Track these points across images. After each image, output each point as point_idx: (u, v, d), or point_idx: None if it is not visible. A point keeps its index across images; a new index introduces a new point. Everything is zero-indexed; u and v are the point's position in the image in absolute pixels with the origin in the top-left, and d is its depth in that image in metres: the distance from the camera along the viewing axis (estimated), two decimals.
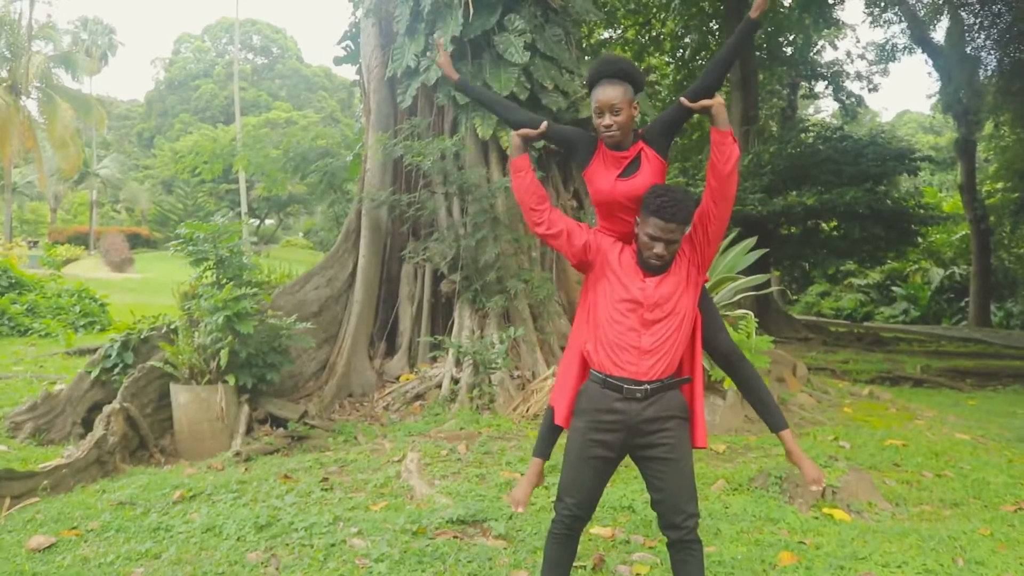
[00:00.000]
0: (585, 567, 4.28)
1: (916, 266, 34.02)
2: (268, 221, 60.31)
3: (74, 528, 4.80)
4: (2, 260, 18.07)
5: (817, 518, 5.25)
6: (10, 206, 43.08)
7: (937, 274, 32.74)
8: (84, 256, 42.69)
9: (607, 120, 3.27)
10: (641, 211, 3.20)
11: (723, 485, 5.91)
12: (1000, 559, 4.43)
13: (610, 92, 3.26)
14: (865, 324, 29.49)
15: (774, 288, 22.65)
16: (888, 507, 5.65)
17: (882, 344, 20.94)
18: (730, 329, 7.71)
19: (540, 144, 9.65)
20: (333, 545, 4.50)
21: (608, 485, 5.70)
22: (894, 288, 33.68)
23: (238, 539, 4.59)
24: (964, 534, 4.87)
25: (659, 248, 3.12)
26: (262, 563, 4.26)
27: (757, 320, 8.96)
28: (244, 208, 40.84)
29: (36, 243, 41.86)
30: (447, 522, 4.85)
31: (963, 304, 30.08)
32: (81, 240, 48.62)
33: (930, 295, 32.00)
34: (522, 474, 5.98)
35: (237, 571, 4.16)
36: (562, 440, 3.46)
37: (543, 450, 3.55)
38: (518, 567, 4.22)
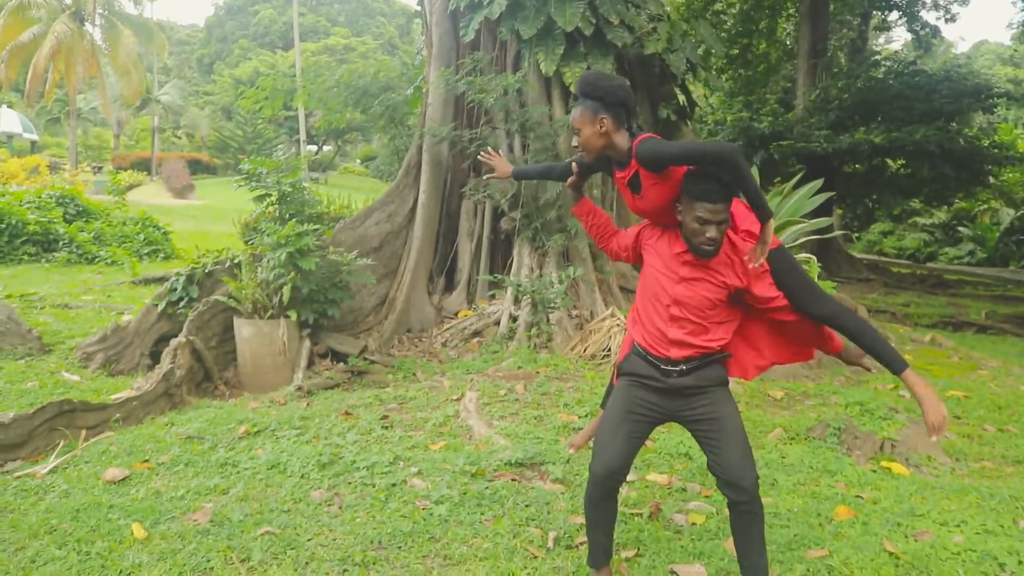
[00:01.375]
0: (641, 515, 4.32)
1: (985, 206, 33.01)
2: (326, 148, 60.53)
3: (146, 461, 4.96)
4: (70, 188, 18.41)
5: (875, 471, 5.22)
6: (75, 132, 43.77)
7: (1008, 214, 31.70)
8: (146, 182, 43.41)
9: (573, 141, 3.29)
10: (683, 197, 3.10)
11: (780, 434, 5.89)
12: None
13: (573, 113, 3.27)
14: (928, 265, 28.82)
15: (837, 231, 22.15)
16: (948, 462, 5.59)
17: (945, 287, 20.47)
18: None
19: None
20: (394, 485, 4.60)
21: (665, 431, 5.77)
22: (960, 228, 32.76)
23: (302, 476, 4.71)
24: None
25: (712, 231, 3.04)
26: (326, 501, 4.38)
27: (820, 263, 8.82)
28: (303, 136, 40.94)
29: (100, 168, 42.60)
30: (505, 464, 4.92)
31: None
32: (143, 166, 49.33)
33: (999, 236, 31.06)
34: (579, 416, 6.06)
35: (302, 508, 4.27)
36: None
37: (605, 403, 3.59)
38: (575, 513, 4.27)
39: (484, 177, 4.84)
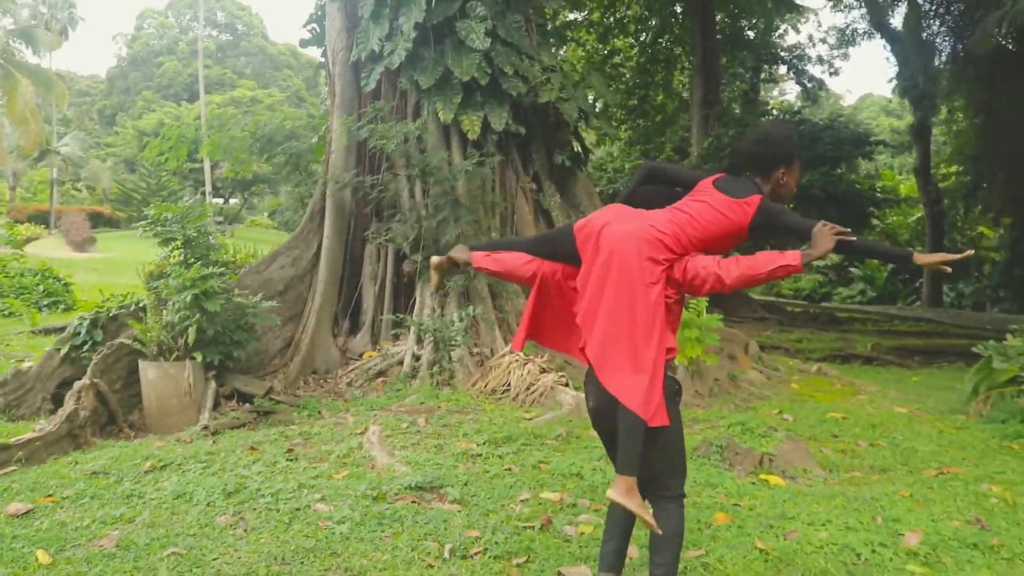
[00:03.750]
0: (534, 527, 4.60)
1: None
2: (232, 201, 59.94)
3: (50, 496, 5.05)
4: None
5: (753, 483, 5.63)
6: None
7: None
8: (44, 235, 42.26)
9: None
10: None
11: None
12: (915, 516, 4.81)
13: None
14: (822, 304, 30.06)
15: None
16: (822, 473, 6.05)
17: (836, 323, 21.45)
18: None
19: (500, 127, 9.94)
20: (298, 509, 4.79)
21: (560, 455, 6.10)
22: (852, 269, 34.32)
23: (207, 504, 4.87)
24: (886, 496, 5.26)
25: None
26: (231, 525, 4.55)
27: (708, 300, 9.32)
28: (208, 187, 40.62)
29: None
30: (406, 488, 5.16)
31: (917, 285, 30.74)
32: (41, 219, 47.98)
33: (886, 276, 32.64)
34: (478, 444, 6.34)
35: (207, 532, 4.44)
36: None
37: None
38: (471, 527, 4.54)
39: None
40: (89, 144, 59.90)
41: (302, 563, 4.06)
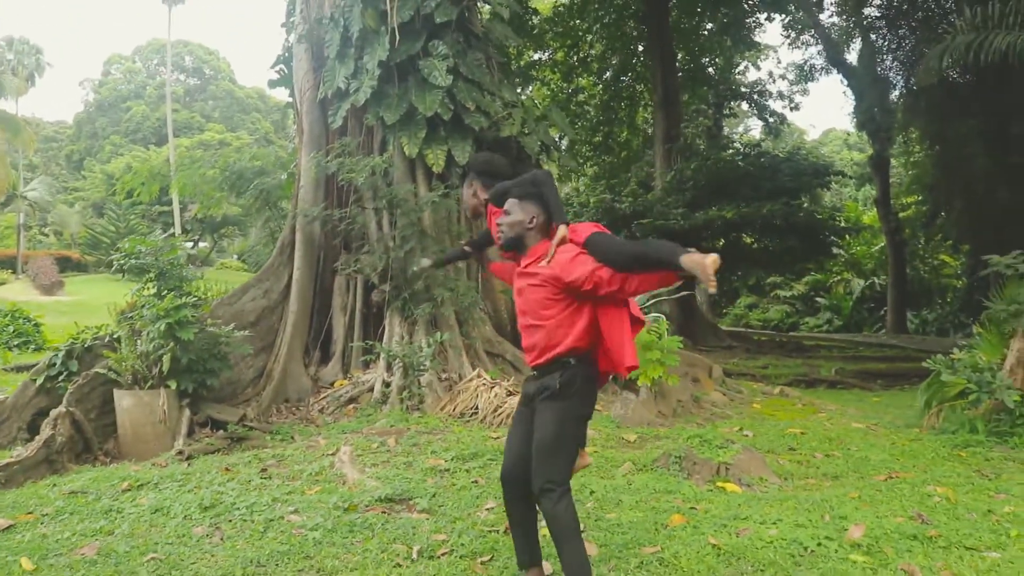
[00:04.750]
0: (498, 531, 4.82)
1: (839, 277, 35.37)
2: (202, 243, 59.86)
3: (30, 513, 5.21)
4: None
5: (711, 490, 5.88)
6: None
7: (858, 285, 34.05)
8: (11, 280, 42.01)
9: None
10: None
11: (629, 467, 6.51)
12: (861, 514, 5.08)
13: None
14: (790, 334, 30.57)
15: (701, 301, 23.48)
16: (777, 481, 6.31)
17: (803, 351, 21.89)
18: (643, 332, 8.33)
19: (464, 160, 10.25)
20: (272, 520, 4.99)
21: None
22: (818, 299, 34.94)
23: (184, 517, 5.05)
24: (836, 498, 5.53)
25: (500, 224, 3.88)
26: (207, 535, 4.74)
27: (670, 324, 9.63)
28: (178, 230, 40.65)
29: None
30: (376, 500, 5.38)
31: (883, 313, 31.33)
32: (8, 264, 47.66)
33: (852, 305, 33.26)
34: (446, 460, 6.56)
35: (185, 541, 4.63)
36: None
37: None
38: (438, 532, 4.76)
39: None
40: (56, 189, 59.75)
41: (276, 565, 4.25)
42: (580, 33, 28.10)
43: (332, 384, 9.85)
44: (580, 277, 3.57)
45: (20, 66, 56.86)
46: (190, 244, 54.84)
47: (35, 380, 7.92)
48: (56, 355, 8.05)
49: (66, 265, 47.07)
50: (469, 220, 11.04)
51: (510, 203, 3.86)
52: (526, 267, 3.78)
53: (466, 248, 4.61)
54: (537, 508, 3.86)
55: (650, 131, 29.64)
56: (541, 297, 3.70)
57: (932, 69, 13.72)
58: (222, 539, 4.67)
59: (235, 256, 63.26)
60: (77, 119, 73.82)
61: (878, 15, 25.32)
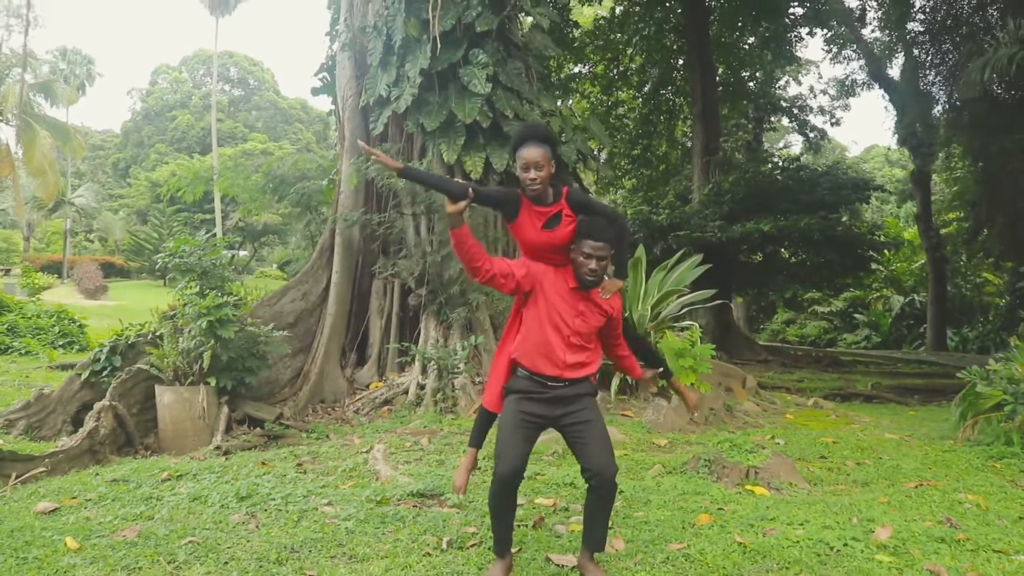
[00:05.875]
0: (527, 525, 4.90)
1: (878, 294, 35.03)
2: (242, 252, 60.63)
3: (74, 498, 5.39)
4: None
5: (739, 492, 5.91)
6: None
7: (898, 301, 33.70)
8: (57, 285, 42.85)
9: (532, 174, 3.95)
10: (576, 236, 3.97)
11: (659, 469, 6.56)
12: (888, 518, 5.09)
13: (534, 151, 3.93)
14: (827, 349, 30.30)
15: (737, 316, 23.41)
16: (806, 486, 6.31)
17: (839, 365, 21.69)
18: (673, 337, 8.39)
19: (502, 167, 10.36)
20: (306, 511, 5.11)
21: (556, 468, 6.40)
22: (856, 315, 34.60)
23: (221, 506, 5.20)
24: (864, 502, 5.54)
25: (593, 264, 3.92)
26: (243, 522, 4.87)
27: (704, 336, 9.65)
28: (220, 237, 41.26)
29: (8, 271, 42.00)
30: (407, 495, 5.49)
31: (922, 330, 30.96)
32: (54, 269, 48.67)
33: (891, 322, 32.92)
34: (479, 459, 6.64)
35: (222, 527, 4.76)
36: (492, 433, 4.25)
37: (478, 440, 4.40)
38: (468, 525, 4.85)
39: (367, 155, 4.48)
40: (102, 196, 60.91)
41: (310, 551, 4.37)
42: (620, 46, 28.16)
43: (368, 386, 10.00)
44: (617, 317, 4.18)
45: (72, 76, 58.18)
46: (230, 253, 55.53)
47: (80, 375, 8.14)
48: (100, 350, 8.27)
49: (110, 271, 47.99)
50: (505, 226, 11.15)
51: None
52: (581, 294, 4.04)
53: (470, 191, 3.96)
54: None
55: (689, 144, 29.62)
56: (596, 326, 4.07)
57: (974, 82, 13.62)
58: (257, 526, 4.80)
59: (274, 265, 63.94)
60: (124, 128, 75.24)
61: (921, 30, 25.09)
